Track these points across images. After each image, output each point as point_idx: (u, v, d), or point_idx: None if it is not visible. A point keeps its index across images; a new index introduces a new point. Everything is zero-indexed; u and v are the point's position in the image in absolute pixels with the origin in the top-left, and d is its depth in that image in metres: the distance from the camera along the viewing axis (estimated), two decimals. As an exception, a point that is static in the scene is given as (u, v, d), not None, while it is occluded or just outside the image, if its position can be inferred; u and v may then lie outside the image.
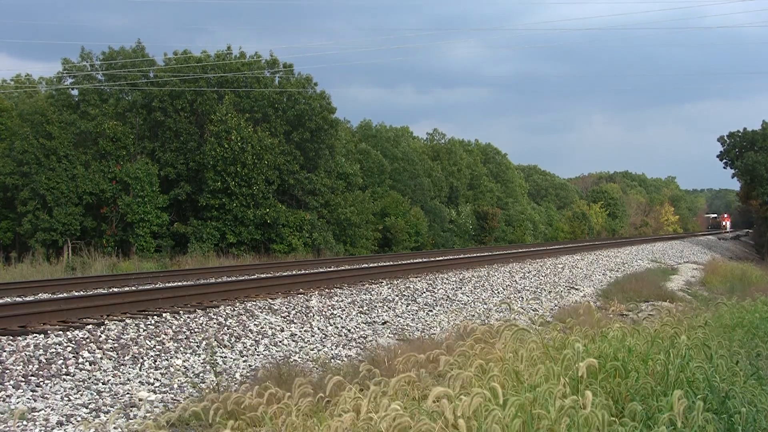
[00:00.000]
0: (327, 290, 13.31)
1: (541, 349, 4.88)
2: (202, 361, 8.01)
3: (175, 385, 7.04)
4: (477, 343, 5.34)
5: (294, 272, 17.67)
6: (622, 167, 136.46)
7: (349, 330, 10.42)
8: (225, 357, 8.31)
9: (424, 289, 14.64)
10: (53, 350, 7.69)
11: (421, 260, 23.27)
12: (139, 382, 7.09)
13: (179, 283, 14.10)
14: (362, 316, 11.50)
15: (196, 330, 9.21)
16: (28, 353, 7.49)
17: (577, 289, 17.90)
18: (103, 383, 6.94)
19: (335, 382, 4.67)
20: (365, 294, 13.22)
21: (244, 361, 8.20)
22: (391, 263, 21.33)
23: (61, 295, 12.00)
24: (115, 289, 13.43)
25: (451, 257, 24.50)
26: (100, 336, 8.39)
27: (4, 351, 7.47)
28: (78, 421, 5.81)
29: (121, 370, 7.43)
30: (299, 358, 8.56)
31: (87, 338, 8.25)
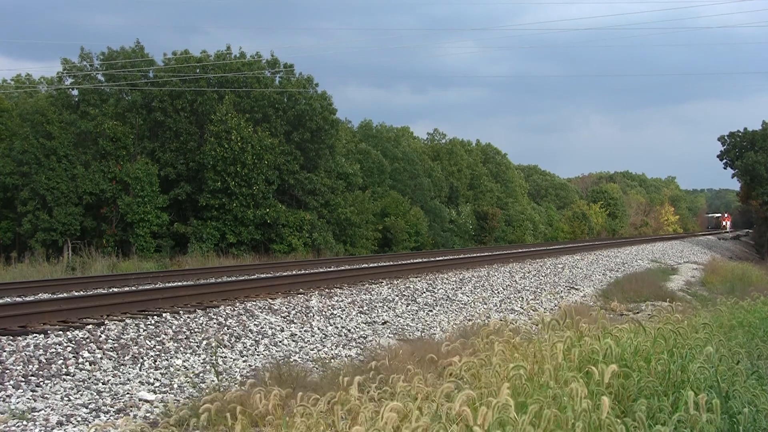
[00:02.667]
0: (327, 290, 13.31)
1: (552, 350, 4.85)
2: (202, 361, 8.00)
3: (175, 385, 7.04)
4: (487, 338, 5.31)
5: (294, 272, 17.66)
6: (622, 167, 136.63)
7: (349, 330, 10.42)
8: (225, 357, 8.30)
9: (424, 289, 14.64)
10: (53, 350, 7.69)
11: (421, 260, 23.26)
12: (139, 382, 7.08)
13: (179, 283, 14.09)
14: (362, 316, 11.50)
15: (196, 330, 9.21)
16: (28, 353, 7.48)
17: (577, 289, 17.90)
18: (103, 383, 6.94)
19: (347, 381, 4.64)
20: (365, 294, 13.22)
21: (244, 361, 8.20)
22: (391, 263, 21.32)
23: (61, 295, 11.99)
24: (115, 289, 13.42)
25: (451, 257, 24.49)
26: (100, 336, 8.39)
27: (4, 351, 7.47)
28: (78, 421, 5.80)
29: (121, 370, 7.42)
30: (299, 358, 8.56)
31: (87, 338, 8.24)
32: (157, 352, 8.12)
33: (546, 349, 4.83)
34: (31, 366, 7.16)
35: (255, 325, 9.90)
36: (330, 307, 11.66)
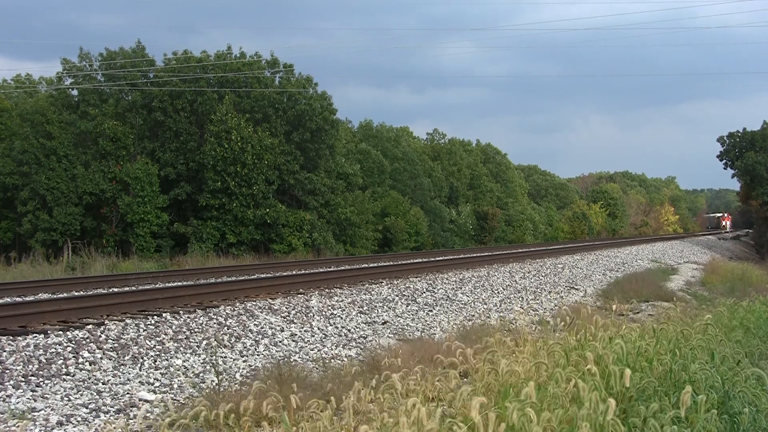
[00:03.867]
0: (327, 290, 13.30)
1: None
2: (202, 361, 8.00)
3: (175, 385, 7.03)
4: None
5: (294, 272, 17.66)
6: (622, 167, 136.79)
7: (349, 330, 10.41)
8: (225, 357, 8.30)
9: (424, 289, 14.63)
10: (53, 350, 7.68)
11: (421, 260, 23.26)
12: (139, 382, 7.08)
13: (179, 283, 14.09)
14: (362, 316, 11.50)
15: (196, 330, 9.21)
16: (28, 353, 7.48)
17: (577, 289, 17.90)
18: (103, 383, 6.93)
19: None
20: (365, 294, 13.21)
21: (244, 361, 8.19)
22: (391, 263, 21.31)
23: (61, 295, 11.98)
24: (115, 289, 13.42)
25: (451, 257, 24.48)
26: (100, 336, 8.38)
27: (4, 351, 7.46)
28: (78, 421, 5.80)
29: (121, 370, 7.42)
30: (299, 358, 8.55)
31: (87, 338, 8.24)
32: (157, 352, 8.11)
33: (557, 351, 4.83)
34: (31, 366, 7.15)
35: (255, 325, 9.90)
36: (330, 307, 11.65)
